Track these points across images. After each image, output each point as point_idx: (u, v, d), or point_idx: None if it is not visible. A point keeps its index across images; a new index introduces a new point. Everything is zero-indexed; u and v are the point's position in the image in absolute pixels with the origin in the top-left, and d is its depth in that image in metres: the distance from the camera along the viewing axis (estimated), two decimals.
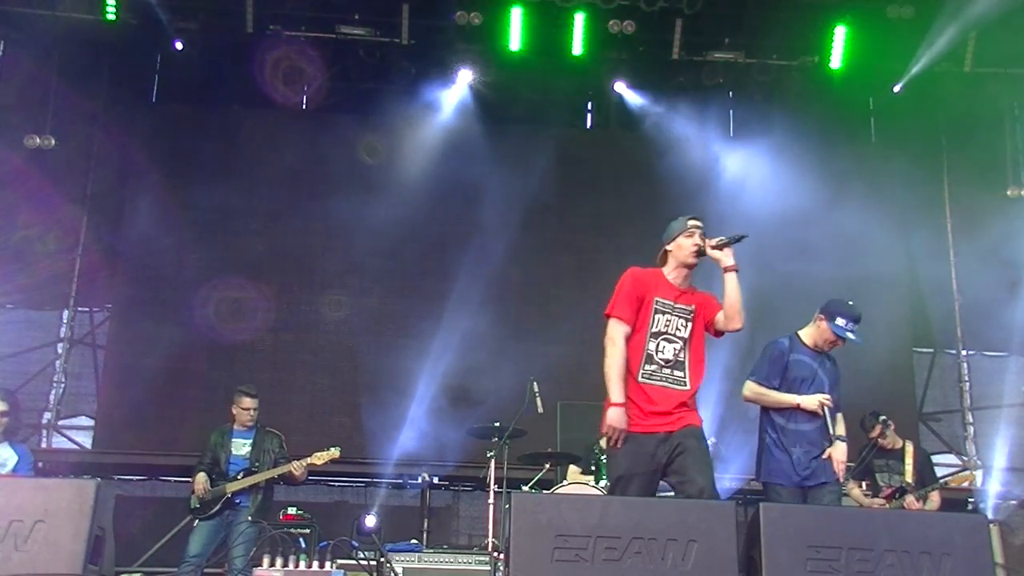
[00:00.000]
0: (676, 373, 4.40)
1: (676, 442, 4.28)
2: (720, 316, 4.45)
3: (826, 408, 4.94)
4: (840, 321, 5.08)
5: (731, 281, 4.38)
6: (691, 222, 4.53)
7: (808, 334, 5.22)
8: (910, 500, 6.40)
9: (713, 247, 4.42)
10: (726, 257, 4.40)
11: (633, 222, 9.52)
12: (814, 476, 4.91)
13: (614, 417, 4.31)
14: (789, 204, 9.31)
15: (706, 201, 9.44)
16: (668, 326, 4.43)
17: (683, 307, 4.47)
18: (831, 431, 4.93)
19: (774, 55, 9.99)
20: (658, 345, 4.42)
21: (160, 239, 9.80)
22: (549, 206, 10.28)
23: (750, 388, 5.11)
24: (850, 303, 5.17)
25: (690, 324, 4.45)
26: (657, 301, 4.45)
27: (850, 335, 5.07)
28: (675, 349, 4.41)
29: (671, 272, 4.54)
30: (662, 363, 4.40)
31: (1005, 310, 9.66)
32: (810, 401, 4.97)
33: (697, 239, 4.45)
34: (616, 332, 4.43)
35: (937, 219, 10.53)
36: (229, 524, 6.71)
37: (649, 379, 4.38)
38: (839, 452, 4.95)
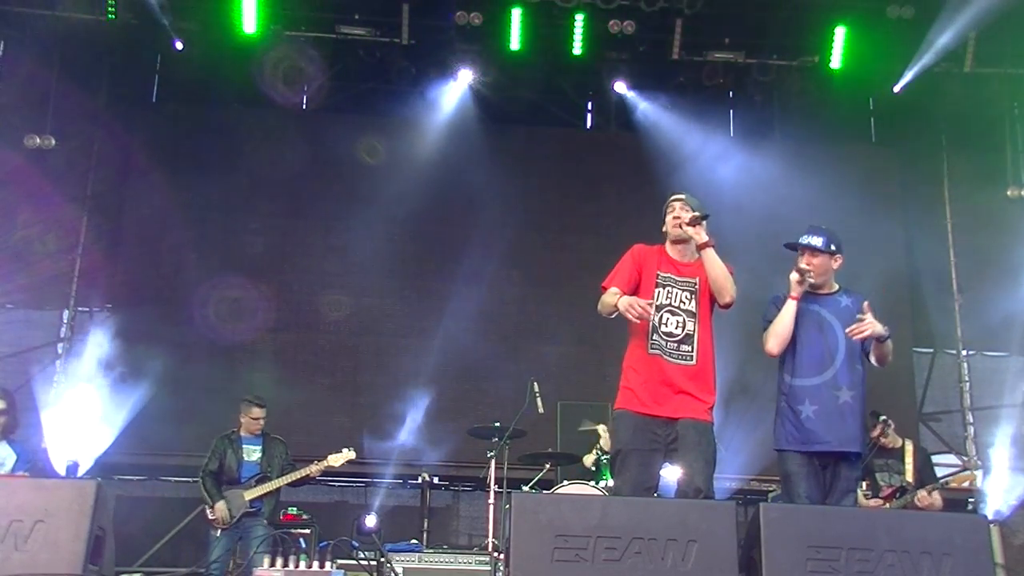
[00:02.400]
0: (684, 348, 4.41)
1: (678, 432, 4.30)
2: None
3: (802, 274, 4.64)
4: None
5: (707, 257, 4.41)
6: (672, 198, 4.61)
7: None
8: (922, 495, 6.34)
9: (687, 224, 4.45)
10: (698, 235, 4.43)
11: (633, 222, 9.49)
12: (827, 441, 4.51)
13: (624, 301, 4.27)
14: (789, 204, 9.32)
15: (706, 201, 9.38)
16: (671, 298, 4.47)
17: (686, 280, 4.51)
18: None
19: (774, 55, 9.99)
20: (662, 317, 4.44)
21: (160, 239, 9.81)
22: (549, 206, 10.29)
23: (764, 339, 4.73)
24: None
25: (695, 297, 4.48)
26: (659, 275, 4.51)
27: (800, 240, 4.80)
28: (679, 322, 4.43)
29: (670, 248, 4.61)
30: (667, 336, 4.41)
31: (1005, 310, 9.66)
32: (793, 283, 4.65)
33: (677, 212, 4.51)
34: (604, 295, 4.47)
35: (937, 219, 10.53)
36: (246, 529, 6.81)
37: (656, 351, 4.41)
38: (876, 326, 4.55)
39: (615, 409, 4.52)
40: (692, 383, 4.37)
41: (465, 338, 9.32)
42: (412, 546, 7.35)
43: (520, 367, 8.70)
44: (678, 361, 4.39)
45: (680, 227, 4.48)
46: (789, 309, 4.66)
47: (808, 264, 4.71)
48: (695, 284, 4.49)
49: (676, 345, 4.41)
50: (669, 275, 4.51)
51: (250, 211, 10.05)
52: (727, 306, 4.43)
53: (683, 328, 4.42)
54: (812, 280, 4.72)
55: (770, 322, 4.74)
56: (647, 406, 4.36)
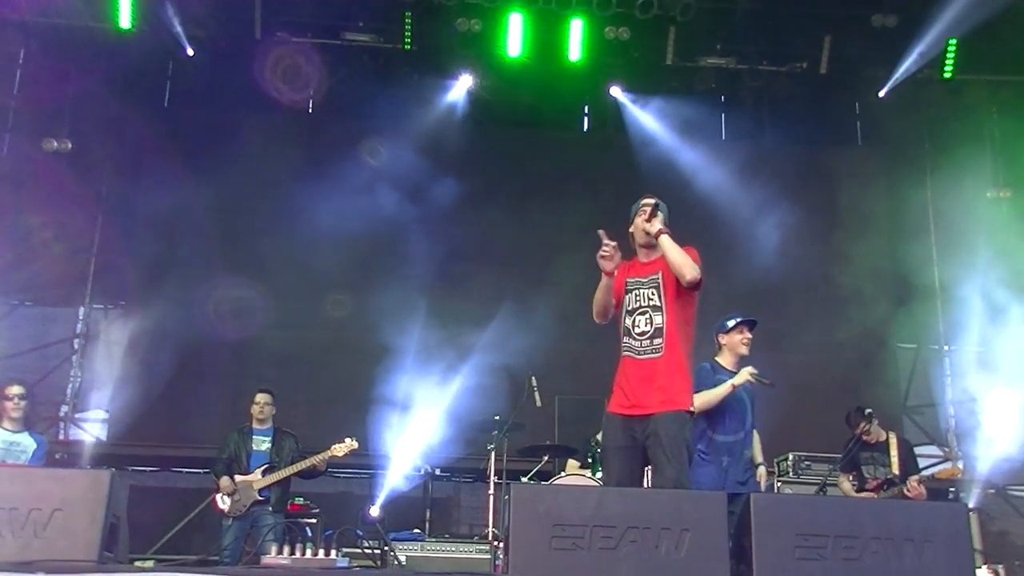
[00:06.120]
0: (656, 341, 4.43)
1: (651, 428, 4.30)
2: None
3: (755, 378, 5.35)
4: (730, 322, 5.57)
5: (663, 243, 4.43)
6: (643, 202, 4.62)
7: (724, 358, 5.56)
8: (912, 484, 6.34)
9: (645, 220, 4.52)
10: (652, 226, 4.49)
11: (627, 222, 9.50)
12: (737, 484, 5.23)
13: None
14: (778, 205, 9.34)
15: (697, 202, 9.45)
16: (639, 300, 4.52)
17: (650, 277, 4.54)
18: (750, 420, 5.48)
19: (764, 61, 10.01)
20: (634, 321, 4.50)
21: (171, 238, 9.82)
22: (547, 207, 10.28)
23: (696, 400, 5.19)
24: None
25: (660, 289, 4.48)
26: (628, 282, 4.58)
27: (750, 318, 5.57)
28: (647, 319, 4.46)
29: (638, 251, 4.66)
30: (639, 336, 4.46)
31: (985, 306, 9.67)
32: (741, 376, 5.34)
33: (646, 216, 4.55)
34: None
35: (921, 219, 10.54)
36: (256, 518, 6.82)
37: (629, 352, 4.48)
38: (762, 479, 5.86)
39: (605, 412, 4.57)
40: (662, 375, 4.37)
41: (465, 334, 9.31)
42: (415, 535, 7.35)
43: (519, 363, 8.70)
44: (648, 356, 4.41)
45: (644, 232, 4.54)
46: (723, 390, 5.32)
47: (750, 339, 5.52)
48: (658, 278, 4.50)
49: (649, 341, 4.43)
50: (636, 279, 4.57)
51: (257, 211, 10.04)
52: (692, 285, 4.38)
53: (651, 324, 4.45)
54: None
55: (698, 390, 5.17)
56: (623, 407, 4.42)
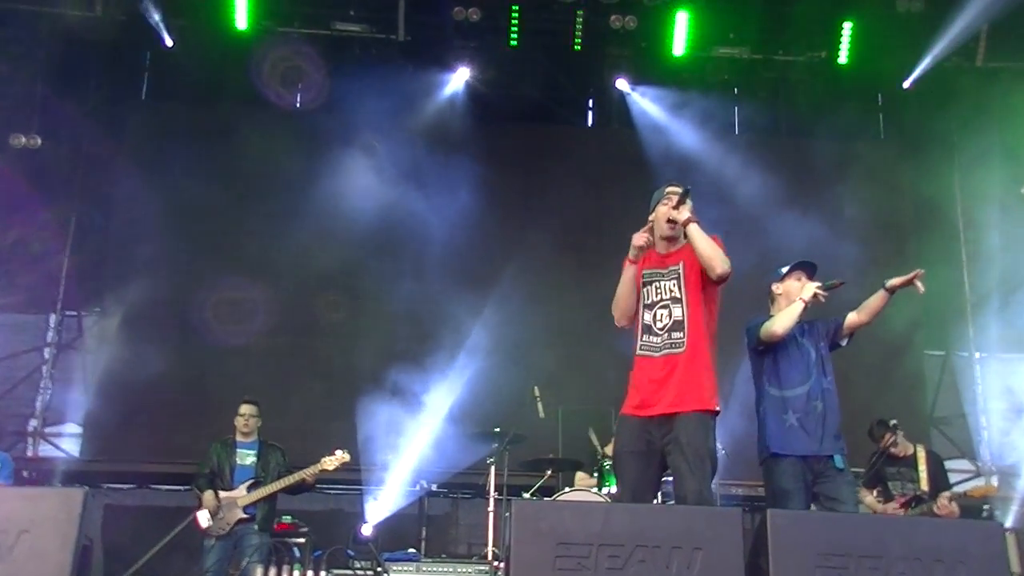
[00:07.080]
0: (676, 335, 4.37)
1: (672, 433, 4.24)
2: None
3: (821, 290, 4.96)
4: (783, 268, 5.21)
5: (692, 233, 4.40)
6: (668, 189, 4.58)
7: (779, 310, 5.15)
8: (942, 503, 6.30)
9: (672, 208, 4.48)
10: (680, 214, 4.45)
11: (635, 221, 9.46)
12: (816, 446, 4.85)
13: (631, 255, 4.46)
14: (796, 203, 9.31)
15: (710, 200, 9.38)
16: (659, 293, 4.48)
17: (671, 268, 4.49)
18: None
19: (780, 50, 10.01)
20: (655, 315, 4.45)
21: (151, 240, 9.79)
22: (549, 205, 10.26)
23: (769, 325, 5.00)
24: None
25: (681, 281, 4.44)
26: (644, 274, 4.53)
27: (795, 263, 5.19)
28: (667, 312, 4.42)
29: (657, 242, 4.60)
30: (660, 331, 4.41)
31: (1018, 310, 9.64)
32: (807, 291, 4.97)
33: (672, 204, 4.51)
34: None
35: (948, 217, 10.49)
36: (239, 537, 6.78)
37: (647, 351, 4.42)
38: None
39: (619, 415, 4.52)
40: (684, 371, 4.31)
41: (465, 341, 9.30)
42: (410, 555, 7.32)
43: (521, 371, 8.68)
44: (668, 352, 4.36)
45: (671, 223, 4.49)
46: (797, 308, 4.94)
47: (819, 285, 4.99)
48: (679, 268, 4.46)
49: (668, 335, 4.38)
50: (654, 270, 4.51)
51: (243, 211, 10.02)
52: (721, 279, 4.34)
53: (671, 316, 4.40)
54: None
55: (758, 326, 5.04)
56: (640, 408, 4.36)
